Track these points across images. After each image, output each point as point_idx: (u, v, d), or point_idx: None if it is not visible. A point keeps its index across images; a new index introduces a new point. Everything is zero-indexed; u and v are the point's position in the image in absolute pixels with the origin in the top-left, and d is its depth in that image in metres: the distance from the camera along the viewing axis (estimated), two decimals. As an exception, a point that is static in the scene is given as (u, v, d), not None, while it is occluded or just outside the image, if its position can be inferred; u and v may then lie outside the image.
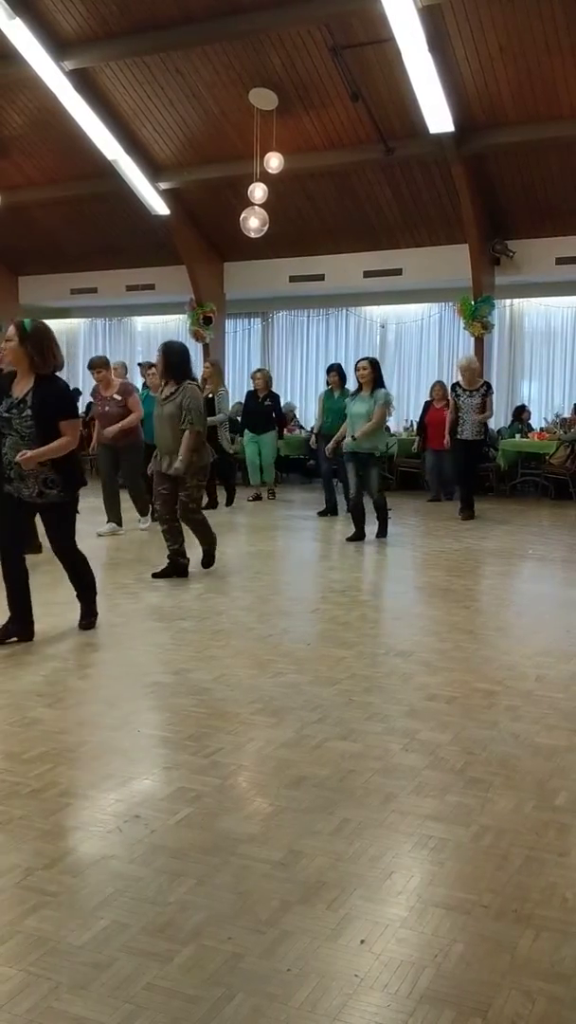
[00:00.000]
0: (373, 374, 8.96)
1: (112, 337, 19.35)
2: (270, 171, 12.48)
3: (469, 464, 10.84)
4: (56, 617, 5.66)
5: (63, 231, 16.30)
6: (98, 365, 9.07)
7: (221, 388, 11.35)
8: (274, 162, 12.42)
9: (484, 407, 10.54)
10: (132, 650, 4.97)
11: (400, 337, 16.92)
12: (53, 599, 5.90)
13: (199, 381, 10.65)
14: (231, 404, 11.40)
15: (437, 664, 4.78)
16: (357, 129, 12.64)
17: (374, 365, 9.10)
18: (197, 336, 16.30)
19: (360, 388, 9.06)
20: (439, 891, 2.53)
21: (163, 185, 14.32)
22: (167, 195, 14.46)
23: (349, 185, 13.77)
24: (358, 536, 9.00)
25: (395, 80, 11.48)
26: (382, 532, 9.18)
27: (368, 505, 9.15)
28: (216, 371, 11.57)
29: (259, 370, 12.51)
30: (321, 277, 15.37)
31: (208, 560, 7.35)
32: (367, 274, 14.98)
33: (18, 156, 14.59)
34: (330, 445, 9.67)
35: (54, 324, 19.21)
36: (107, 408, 9.01)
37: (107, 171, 13.78)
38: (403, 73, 11.06)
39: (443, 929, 2.34)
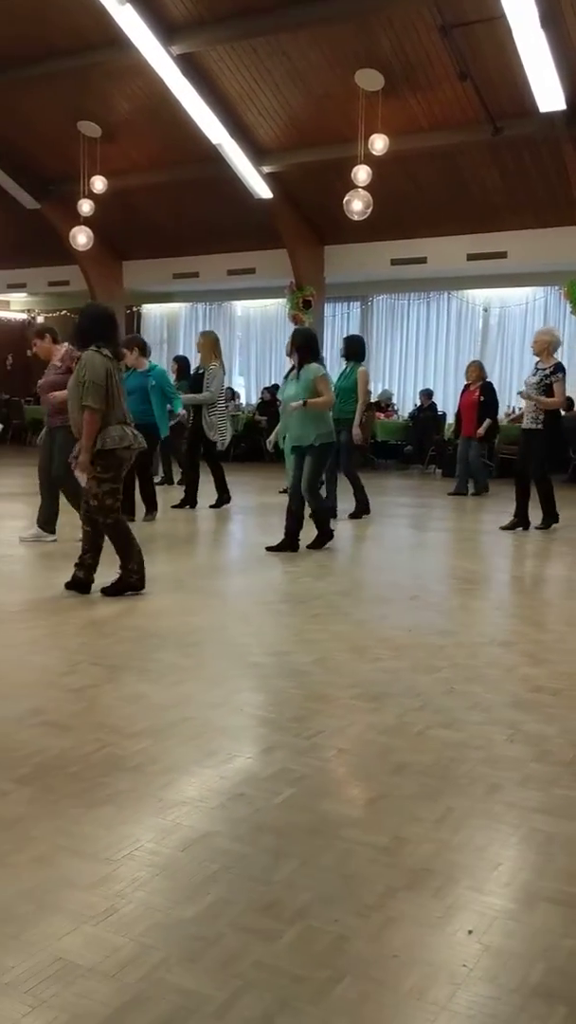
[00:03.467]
0: (299, 349, 7.52)
1: (212, 321, 19.54)
2: (375, 153, 12.37)
3: (524, 458, 9.01)
4: (158, 595, 5.75)
5: (166, 216, 16.49)
6: (33, 337, 7.74)
7: (212, 363, 9.70)
8: (379, 144, 12.30)
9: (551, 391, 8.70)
10: (231, 630, 5.00)
11: (503, 321, 16.62)
12: (150, 575, 6.00)
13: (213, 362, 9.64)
14: (221, 383, 9.73)
15: (541, 655, 4.68)
16: (464, 109, 12.42)
17: (299, 338, 7.58)
18: (296, 320, 16.26)
19: (292, 368, 7.68)
20: (548, 885, 2.47)
21: (266, 168, 14.34)
22: (270, 178, 14.48)
23: (454, 166, 13.56)
24: (282, 545, 7.41)
25: (505, 58, 11.23)
26: (315, 542, 7.57)
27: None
28: (208, 343, 9.92)
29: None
30: (423, 260, 15.20)
31: (116, 585, 5.69)
32: (470, 257, 14.76)
33: (124, 142, 14.79)
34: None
35: (157, 308, 19.67)
36: (47, 378, 7.48)
37: (211, 155, 13.87)
38: (513, 51, 10.81)
39: (552, 923, 2.28)
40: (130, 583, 5.69)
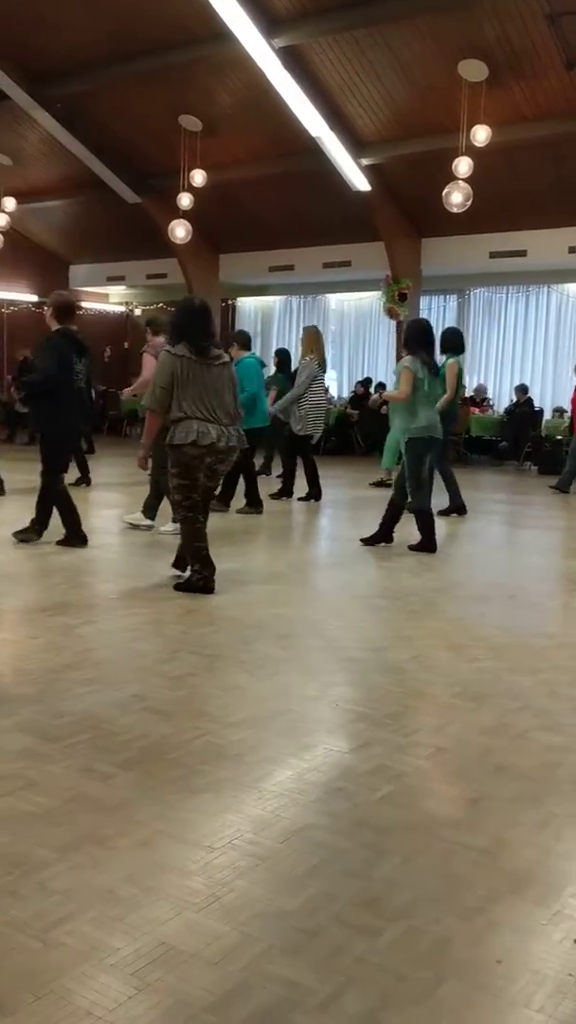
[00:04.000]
0: (405, 341, 7.47)
1: (306, 314, 19.53)
2: (476, 144, 12.17)
3: None
4: (253, 587, 5.78)
5: (264, 209, 16.54)
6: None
7: (306, 356, 9.80)
8: (481, 135, 12.11)
9: None
10: (326, 624, 4.99)
11: (605, 316, 16.18)
12: (246, 566, 6.03)
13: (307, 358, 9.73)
14: (309, 375, 9.66)
15: None
16: (570, 99, 12.11)
17: (406, 330, 7.65)
18: (391, 313, 16.19)
19: None
20: None
21: (365, 161, 14.25)
22: (369, 171, 14.38)
23: (558, 156, 13.24)
24: (375, 537, 7.31)
25: (615, 45, 10.89)
26: (421, 544, 7.18)
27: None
28: (308, 337, 9.95)
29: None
30: (523, 253, 14.91)
31: (183, 584, 5.64)
32: (572, 250, 14.40)
33: (225, 135, 14.88)
34: None
35: (251, 302, 19.75)
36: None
37: (310, 148, 13.84)
38: (625, 36, 10.47)
39: None
40: (195, 585, 5.56)
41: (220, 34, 12.17)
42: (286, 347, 13.87)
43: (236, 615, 5.09)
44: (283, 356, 12.54)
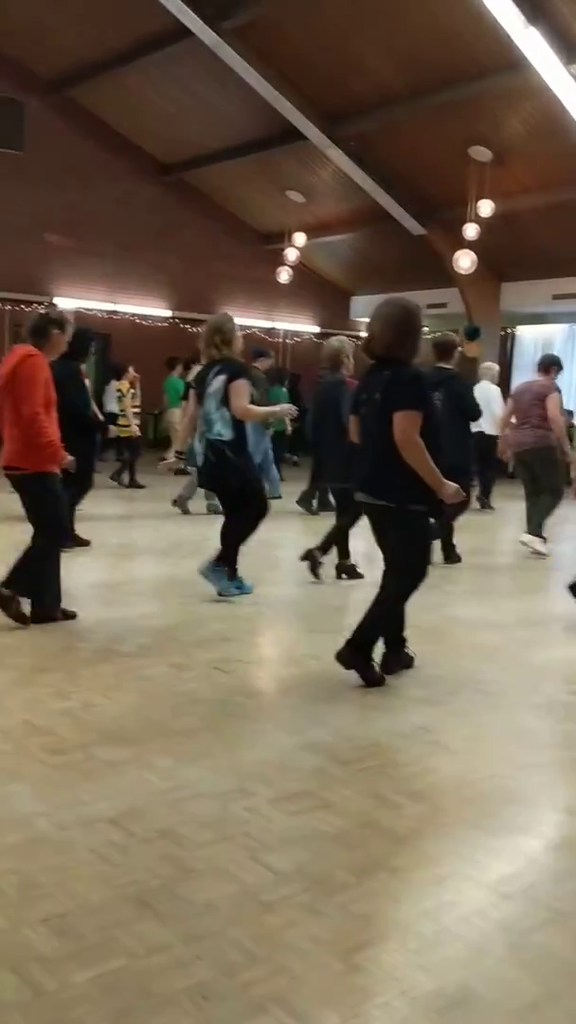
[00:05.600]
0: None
1: (590, 344, 18.79)
2: None
3: None
4: (539, 625, 5.62)
5: (551, 237, 16.14)
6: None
7: None
8: None
9: None
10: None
11: None
12: (534, 605, 5.86)
13: None
14: None
15: None
16: None
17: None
18: None
19: None
20: None
21: None
22: None
23: None
24: None
25: None
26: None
27: None
28: None
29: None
30: None
31: None
32: None
33: (515, 164, 14.71)
34: None
35: (532, 330, 19.18)
36: None
37: (605, 173, 13.38)
38: None
39: None
40: None
41: (514, 63, 12.06)
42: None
43: (521, 655, 4.96)
44: None
